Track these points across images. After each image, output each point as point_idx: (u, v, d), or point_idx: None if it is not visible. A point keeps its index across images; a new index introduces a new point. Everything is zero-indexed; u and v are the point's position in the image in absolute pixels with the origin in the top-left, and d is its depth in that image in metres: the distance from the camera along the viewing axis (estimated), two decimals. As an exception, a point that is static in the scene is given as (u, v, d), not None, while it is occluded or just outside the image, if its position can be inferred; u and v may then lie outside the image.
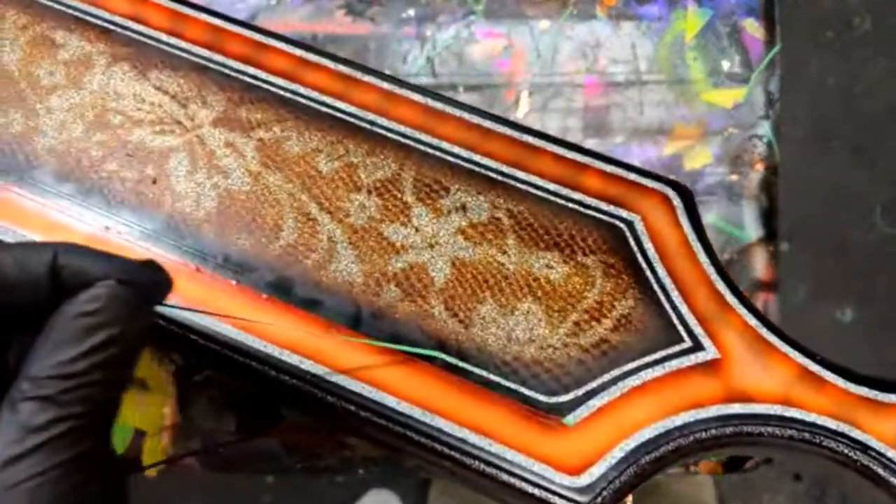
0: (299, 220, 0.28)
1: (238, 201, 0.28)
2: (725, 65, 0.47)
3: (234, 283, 0.27)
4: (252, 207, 0.28)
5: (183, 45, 0.32)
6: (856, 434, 0.24)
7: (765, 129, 0.47)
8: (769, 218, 0.47)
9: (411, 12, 0.47)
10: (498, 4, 0.47)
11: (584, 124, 0.47)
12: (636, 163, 0.46)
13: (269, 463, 0.47)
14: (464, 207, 0.29)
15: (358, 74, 0.31)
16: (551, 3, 0.47)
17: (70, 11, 0.32)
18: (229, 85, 0.31)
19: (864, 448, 0.24)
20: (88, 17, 0.32)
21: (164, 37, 0.32)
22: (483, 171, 0.29)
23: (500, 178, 0.29)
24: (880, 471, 0.24)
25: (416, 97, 0.30)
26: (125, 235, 0.28)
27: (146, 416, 0.46)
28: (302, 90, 0.30)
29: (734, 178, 0.47)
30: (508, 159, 0.30)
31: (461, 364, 0.26)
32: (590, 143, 0.46)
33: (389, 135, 0.30)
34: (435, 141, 0.30)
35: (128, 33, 0.32)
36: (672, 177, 0.46)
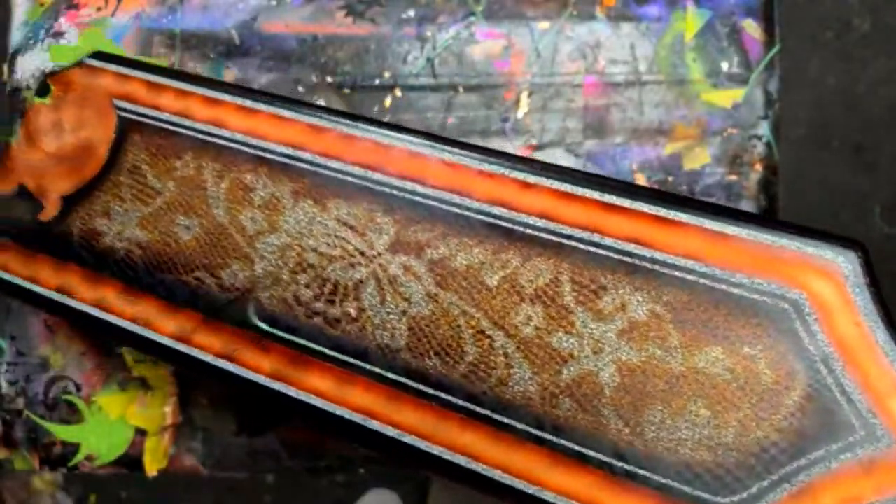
0: (476, 338, 0.29)
1: (424, 325, 0.30)
2: (725, 65, 0.47)
3: (435, 405, 0.29)
4: (436, 330, 0.30)
5: (347, 168, 0.33)
6: None
7: (764, 129, 0.47)
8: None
9: (412, 13, 0.47)
10: (498, 5, 0.47)
11: (584, 125, 0.47)
12: (636, 163, 0.46)
13: (269, 462, 0.47)
14: (623, 307, 0.28)
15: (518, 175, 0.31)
16: (551, 3, 0.47)
17: (248, 150, 0.35)
18: (395, 205, 0.32)
19: None
20: (265, 154, 0.34)
21: (330, 162, 0.33)
22: (637, 261, 0.28)
23: (655, 267, 0.28)
24: None
25: (586, 192, 0.30)
26: (346, 375, 0.31)
27: (147, 415, 0.46)
28: (457, 199, 0.31)
29: (733, 178, 0.47)
30: (667, 246, 0.28)
31: (612, 461, 0.28)
32: (590, 144, 0.46)
33: (542, 235, 0.30)
34: (586, 235, 0.29)
35: (300, 164, 0.34)
36: (671, 177, 0.46)
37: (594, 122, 0.47)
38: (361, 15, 0.47)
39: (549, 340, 0.29)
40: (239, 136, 0.35)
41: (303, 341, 0.32)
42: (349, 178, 0.33)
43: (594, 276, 0.29)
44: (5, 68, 0.47)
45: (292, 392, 0.31)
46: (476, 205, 0.31)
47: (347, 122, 0.34)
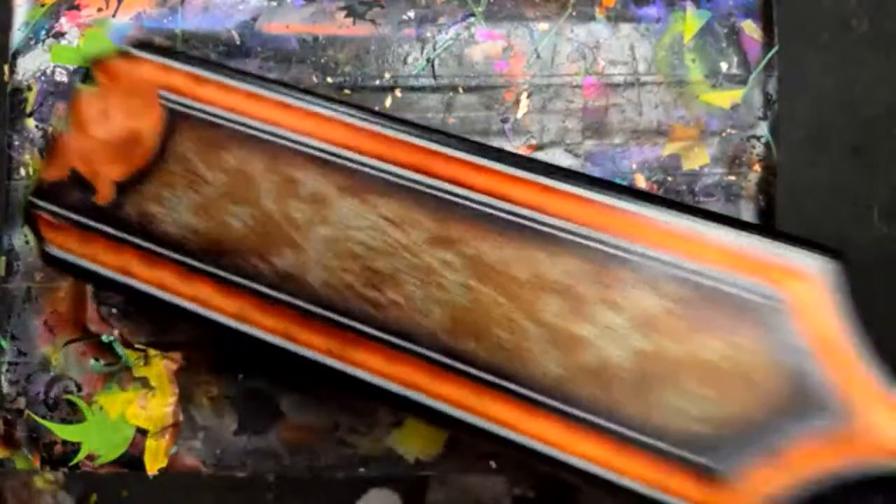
0: (509, 326, 0.34)
1: (461, 313, 0.34)
2: (724, 66, 0.47)
3: (471, 382, 0.34)
4: (472, 317, 0.34)
5: (393, 169, 0.36)
6: None
7: (763, 129, 0.47)
8: (767, 218, 0.47)
9: (411, 14, 0.47)
10: (498, 6, 0.47)
11: (584, 125, 0.47)
12: (635, 163, 0.47)
13: (270, 462, 0.48)
14: (636, 301, 0.33)
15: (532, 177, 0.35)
16: (551, 4, 0.47)
17: (293, 146, 0.37)
18: (432, 205, 0.35)
19: None
20: (309, 150, 0.37)
21: (371, 161, 0.36)
22: (648, 262, 0.33)
23: (665, 268, 0.33)
24: None
25: (605, 199, 0.34)
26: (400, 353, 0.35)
27: (148, 415, 0.47)
28: (490, 201, 0.35)
29: (732, 178, 0.47)
30: (673, 249, 0.33)
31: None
32: (589, 144, 0.47)
33: (565, 235, 0.34)
34: (605, 237, 0.34)
35: (343, 162, 0.36)
36: (670, 178, 0.47)
37: (593, 122, 0.47)
38: (362, 16, 0.47)
39: (571, 328, 0.33)
40: (283, 132, 0.38)
41: (353, 323, 0.35)
42: (390, 177, 0.36)
43: (612, 273, 0.33)
44: (6, 69, 0.47)
45: (346, 368, 0.35)
46: (508, 206, 0.35)
47: (387, 123, 0.37)
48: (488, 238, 0.35)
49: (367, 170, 0.36)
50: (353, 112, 0.38)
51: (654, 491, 0.32)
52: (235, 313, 0.36)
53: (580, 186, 0.35)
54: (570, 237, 0.34)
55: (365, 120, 0.37)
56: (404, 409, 0.35)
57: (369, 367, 0.35)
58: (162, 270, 0.37)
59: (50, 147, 0.42)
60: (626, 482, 0.32)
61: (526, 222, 0.35)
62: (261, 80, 0.39)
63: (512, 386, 0.34)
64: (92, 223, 0.39)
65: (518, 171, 0.35)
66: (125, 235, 0.39)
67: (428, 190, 0.36)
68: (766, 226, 0.35)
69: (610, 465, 0.32)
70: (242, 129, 0.38)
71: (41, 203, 0.40)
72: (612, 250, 0.34)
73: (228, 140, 0.38)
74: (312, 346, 0.35)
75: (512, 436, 0.33)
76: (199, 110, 0.39)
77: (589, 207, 0.34)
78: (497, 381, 0.34)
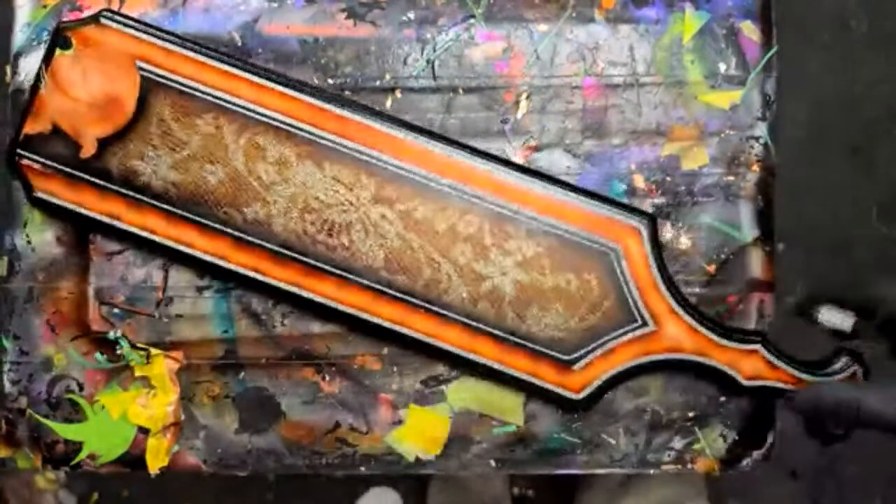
0: (429, 263, 0.45)
1: (395, 254, 0.45)
2: (722, 67, 0.47)
3: (402, 304, 0.45)
4: (402, 258, 0.45)
5: (344, 142, 0.44)
6: (713, 363, 0.46)
7: (761, 130, 0.47)
8: (766, 218, 0.47)
9: (412, 15, 0.47)
10: (497, 7, 0.47)
11: (583, 126, 0.47)
12: (634, 164, 0.47)
13: (271, 461, 0.48)
14: (519, 247, 0.45)
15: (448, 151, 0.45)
16: (550, 5, 0.47)
17: (259, 117, 0.44)
18: (375, 170, 0.45)
19: (718, 370, 0.46)
20: (273, 122, 0.44)
21: (325, 134, 0.44)
22: (529, 221, 0.45)
23: (540, 226, 0.45)
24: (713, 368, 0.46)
25: (509, 179, 0.45)
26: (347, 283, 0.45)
27: (149, 414, 0.47)
28: (416, 169, 0.45)
29: (731, 178, 0.47)
30: (547, 211, 0.45)
31: (509, 337, 0.46)
32: (588, 144, 0.47)
33: (475, 200, 0.45)
34: (504, 202, 0.45)
35: (303, 134, 0.44)
36: (668, 178, 0.47)
37: (593, 123, 0.47)
38: (362, 17, 0.47)
39: (474, 266, 0.45)
40: (250, 105, 0.44)
41: (311, 261, 0.45)
42: (341, 148, 0.44)
43: (503, 227, 0.45)
44: (8, 70, 0.47)
45: (306, 294, 0.45)
46: (430, 174, 0.45)
47: (341, 104, 0.45)
48: (418, 199, 0.45)
49: (322, 141, 0.44)
50: (309, 93, 0.44)
51: (529, 376, 0.45)
52: (214, 252, 0.44)
53: (487, 164, 0.45)
54: (476, 200, 0.45)
55: (320, 100, 0.44)
56: (348, 323, 0.46)
57: (324, 293, 0.45)
58: (148, 216, 0.44)
59: (30, 103, 0.44)
60: (510, 371, 0.45)
61: (445, 188, 0.45)
62: (227, 57, 0.44)
63: (433, 307, 0.45)
64: (78, 174, 0.44)
65: (445, 150, 0.45)
66: (111, 186, 0.44)
67: (372, 160, 0.45)
68: (600, 194, 0.46)
69: (499, 361, 0.45)
70: (212, 99, 0.44)
71: (27, 154, 0.44)
72: (505, 212, 0.45)
73: (201, 108, 0.44)
74: (279, 278, 0.45)
75: (433, 342, 0.45)
76: (172, 80, 0.44)
77: (490, 181, 0.45)
78: (421, 303, 0.45)
